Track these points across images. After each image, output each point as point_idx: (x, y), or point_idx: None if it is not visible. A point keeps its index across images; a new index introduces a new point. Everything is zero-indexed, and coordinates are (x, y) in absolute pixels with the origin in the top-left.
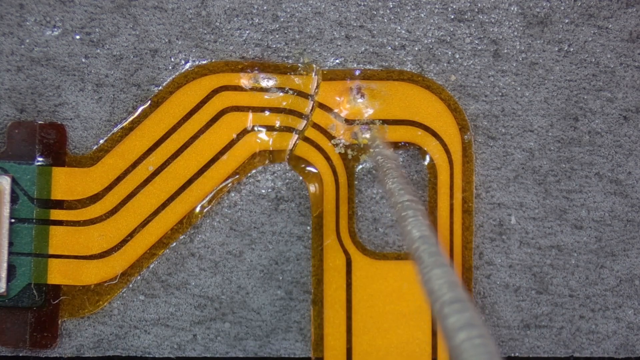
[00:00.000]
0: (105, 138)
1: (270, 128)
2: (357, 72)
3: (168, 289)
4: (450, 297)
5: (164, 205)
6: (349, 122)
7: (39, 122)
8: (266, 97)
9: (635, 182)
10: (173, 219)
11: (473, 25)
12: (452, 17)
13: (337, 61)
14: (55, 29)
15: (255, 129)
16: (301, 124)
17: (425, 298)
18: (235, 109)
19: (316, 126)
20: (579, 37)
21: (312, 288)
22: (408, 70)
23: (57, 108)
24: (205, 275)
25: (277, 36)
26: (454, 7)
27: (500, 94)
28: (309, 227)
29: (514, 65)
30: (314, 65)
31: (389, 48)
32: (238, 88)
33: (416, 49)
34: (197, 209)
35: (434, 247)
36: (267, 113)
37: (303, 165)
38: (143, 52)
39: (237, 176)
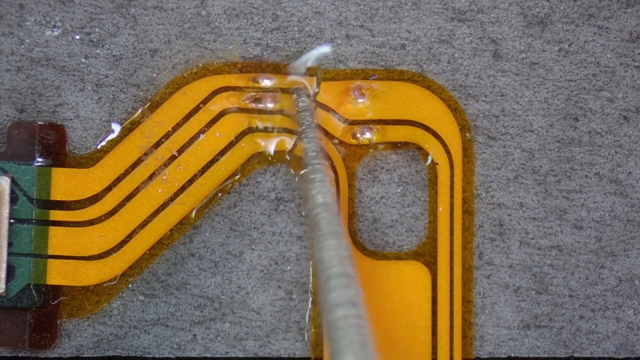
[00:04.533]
0: (105, 139)
1: (270, 129)
2: (359, 73)
3: (168, 289)
4: (338, 271)
5: (163, 206)
6: (349, 122)
7: (39, 122)
8: (266, 103)
9: (635, 182)
10: (172, 219)
11: (473, 25)
12: (452, 16)
13: (337, 61)
14: (55, 29)
15: (255, 130)
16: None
17: (314, 267)
18: (235, 110)
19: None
20: (579, 37)
21: (312, 288)
22: (408, 70)
23: (57, 108)
24: (205, 276)
25: (277, 35)
26: (454, 6)
27: (500, 94)
28: (309, 228)
29: (514, 65)
30: (317, 69)
31: (389, 48)
32: (238, 89)
33: (416, 48)
34: (197, 210)
35: (334, 217)
36: (267, 114)
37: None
38: (143, 52)
39: (237, 177)
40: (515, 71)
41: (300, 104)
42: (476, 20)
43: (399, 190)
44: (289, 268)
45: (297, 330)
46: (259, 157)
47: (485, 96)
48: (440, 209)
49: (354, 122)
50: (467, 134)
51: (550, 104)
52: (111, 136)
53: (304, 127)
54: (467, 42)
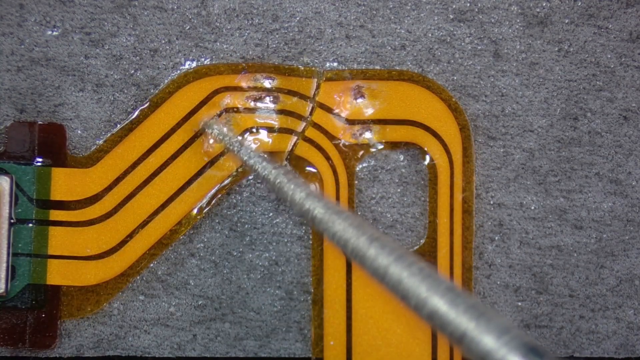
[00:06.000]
0: (104, 138)
1: (270, 129)
2: (359, 73)
3: (168, 289)
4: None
5: (163, 206)
6: (349, 122)
7: (39, 122)
8: (265, 102)
9: (635, 182)
10: (173, 219)
11: (473, 25)
12: (452, 17)
13: (337, 61)
14: (55, 29)
15: (255, 129)
16: (301, 125)
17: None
18: (235, 110)
19: (316, 126)
20: (579, 37)
21: (312, 288)
22: (408, 70)
23: (57, 108)
24: (205, 276)
25: (277, 36)
26: (454, 7)
27: (500, 94)
28: (309, 227)
29: (514, 65)
30: (317, 69)
31: (389, 48)
32: (238, 89)
33: (416, 49)
34: (197, 210)
35: (329, 203)
36: (267, 114)
37: (303, 165)
38: (143, 52)
39: (237, 177)
40: (515, 71)
41: (216, 131)
42: (476, 21)
43: (399, 190)
44: (289, 268)
45: (297, 330)
46: None
47: (485, 96)
48: (440, 209)
49: (353, 122)
50: (467, 134)
51: (550, 104)
52: (111, 136)
53: (238, 150)
54: (467, 42)
